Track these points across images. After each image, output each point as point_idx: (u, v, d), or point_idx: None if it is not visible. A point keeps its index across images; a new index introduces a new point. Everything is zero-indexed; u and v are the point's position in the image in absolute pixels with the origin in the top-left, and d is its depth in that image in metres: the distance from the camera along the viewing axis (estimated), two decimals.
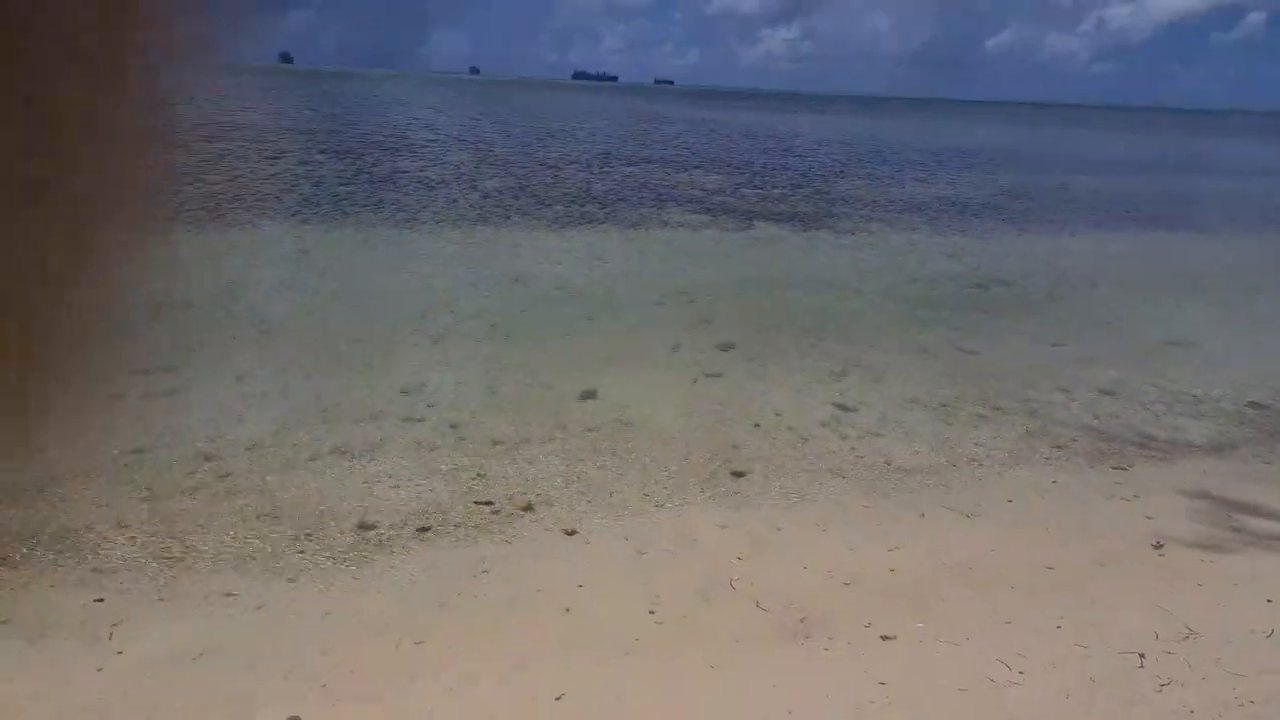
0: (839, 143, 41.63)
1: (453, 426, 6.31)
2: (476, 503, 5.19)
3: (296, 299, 9.30)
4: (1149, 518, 5.07)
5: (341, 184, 17.56)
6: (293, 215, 13.84)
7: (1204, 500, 5.21)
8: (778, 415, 6.72)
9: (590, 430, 6.32)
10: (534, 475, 5.55)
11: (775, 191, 20.92)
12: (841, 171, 26.85)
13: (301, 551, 4.52)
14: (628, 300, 10.11)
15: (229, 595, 4.13)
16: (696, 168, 25.78)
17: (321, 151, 23.58)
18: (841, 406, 6.93)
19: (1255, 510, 5.07)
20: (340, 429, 6.13)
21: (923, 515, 5.07)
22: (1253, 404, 7.20)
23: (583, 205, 17.16)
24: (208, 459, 5.53)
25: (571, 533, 4.84)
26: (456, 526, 4.88)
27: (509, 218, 15.21)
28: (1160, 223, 18.86)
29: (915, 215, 18.00)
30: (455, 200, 16.69)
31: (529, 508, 5.10)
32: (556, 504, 5.18)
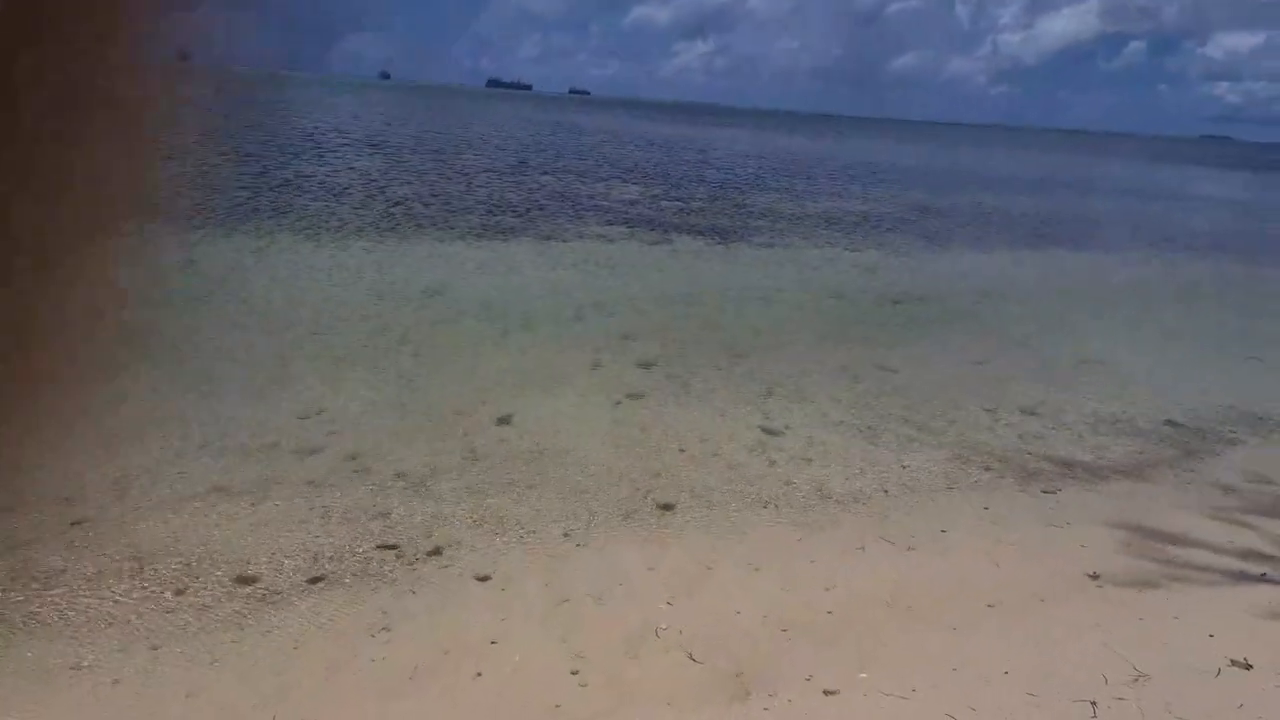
0: (754, 156, 42.12)
1: (352, 458, 5.76)
2: (377, 547, 4.68)
3: (179, 314, 8.52)
4: (1083, 546, 4.95)
5: (240, 189, 16.53)
6: (182, 223, 12.86)
7: (1134, 530, 5.14)
8: (703, 441, 6.42)
9: (506, 460, 5.87)
10: (443, 513, 5.07)
11: (693, 204, 20.81)
12: (758, 184, 27.03)
13: (169, 612, 3.94)
14: (544, 315, 9.68)
15: (76, 668, 3.52)
16: (614, 178, 25.51)
17: (220, 155, 22.29)
18: (768, 430, 6.67)
19: (1182, 540, 5.01)
20: (224, 463, 5.51)
21: (863, 548, 4.82)
22: (1170, 422, 7.29)
23: (497, 215, 16.63)
24: (66, 501, 4.84)
25: (484, 579, 4.39)
26: (354, 576, 4.36)
27: (420, 227, 14.57)
28: (1064, 240, 19.54)
29: (831, 230, 18.14)
30: (362, 208, 15.91)
31: (436, 551, 4.62)
32: (467, 546, 4.72)
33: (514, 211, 17.31)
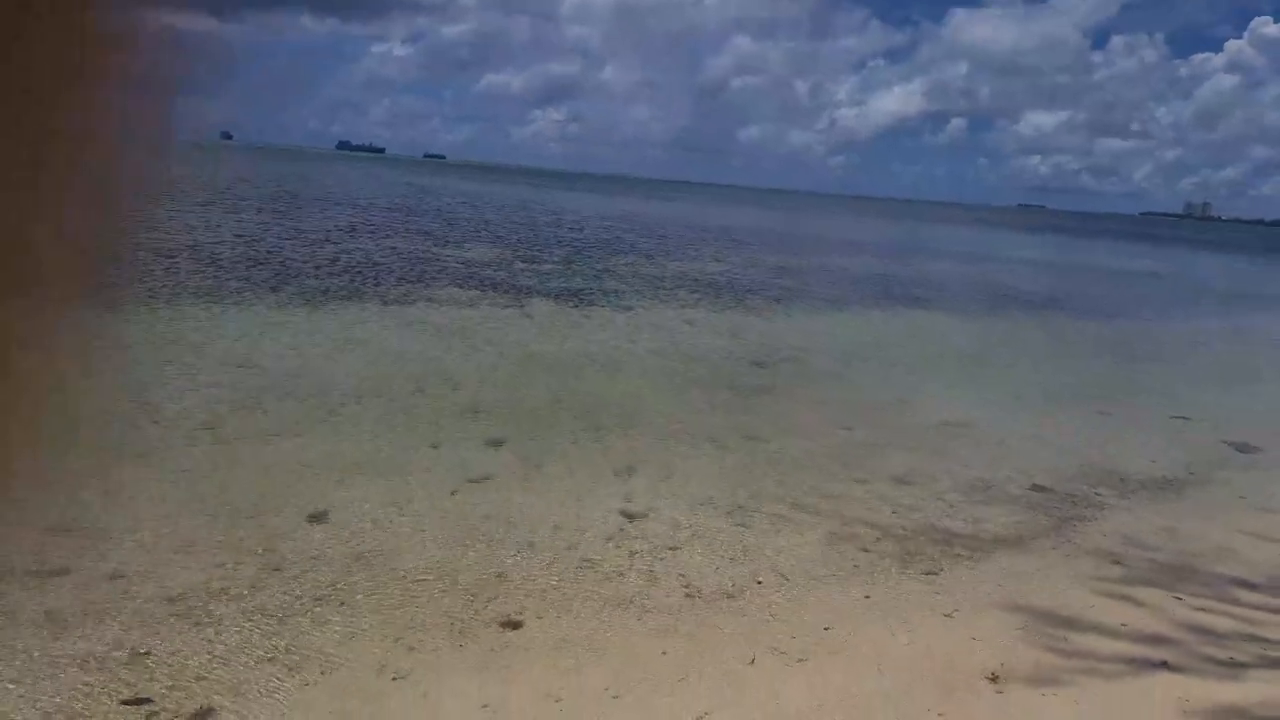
0: (609, 219, 42.33)
1: (114, 578, 4.57)
2: (124, 703, 3.57)
3: None
4: (974, 639, 4.47)
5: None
6: None
7: (1024, 614, 4.72)
8: (556, 530, 5.61)
9: (313, 569, 4.84)
10: (221, 650, 3.99)
11: (548, 266, 20.24)
12: (613, 247, 26.86)
13: None
14: (378, 388, 8.64)
15: None
16: (465, 241, 24.65)
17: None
18: (629, 514, 5.95)
19: (1077, 624, 4.63)
20: None
21: (751, 661, 4.12)
22: (1037, 487, 7.11)
23: (335, 278, 15.39)
24: None
25: None
26: None
27: (244, 293, 13.15)
28: (912, 300, 20.21)
29: (689, 292, 17.96)
30: (176, 271, 14.28)
31: (205, 713, 3.55)
32: (249, 694, 3.68)
33: (355, 274, 16.11)
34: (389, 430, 7.45)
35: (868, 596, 4.96)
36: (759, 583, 5.04)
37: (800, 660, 4.14)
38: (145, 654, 3.91)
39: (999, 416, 9.48)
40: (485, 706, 3.67)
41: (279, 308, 12.26)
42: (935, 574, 5.35)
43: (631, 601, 4.74)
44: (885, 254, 36.73)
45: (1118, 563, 5.59)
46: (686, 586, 4.94)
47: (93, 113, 0.71)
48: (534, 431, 7.68)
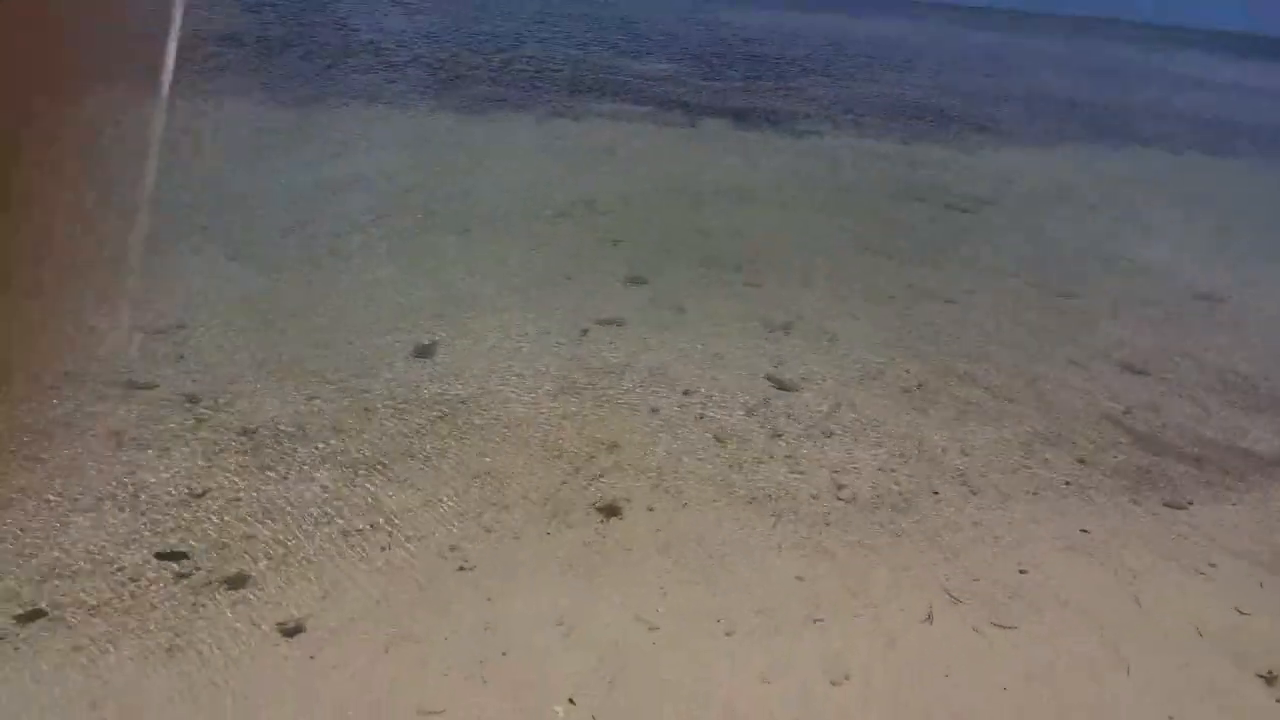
0: (802, 35, 38.48)
1: (191, 400, 4.13)
2: (159, 555, 3.09)
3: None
4: (1239, 612, 3.22)
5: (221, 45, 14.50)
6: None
7: None
8: (687, 392, 4.69)
9: (405, 414, 4.20)
10: (282, 501, 3.44)
11: (724, 84, 18.33)
12: (804, 65, 24.17)
13: None
14: (520, 211, 7.77)
15: None
16: (647, 54, 22.88)
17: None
18: (779, 383, 4.90)
19: None
20: None
21: (928, 618, 3.12)
22: None
23: (502, 86, 14.46)
24: None
25: (294, 630, 2.79)
26: (86, 611, 2.77)
27: (405, 94, 12.51)
28: (1144, 138, 16.84)
29: (878, 118, 15.67)
30: (332, 68, 13.84)
31: (239, 580, 3.00)
32: (290, 564, 3.10)
33: (523, 84, 15.11)
34: (522, 255, 6.66)
35: (1085, 530, 3.74)
36: (935, 494, 3.93)
37: (979, 625, 3.06)
38: (197, 497, 3.42)
39: (1262, 289, 7.45)
40: (560, 624, 2.90)
41: (433, 114, 11.55)
42: (1181, 508, 4.01)
43: (770, 498, 3.79)
44: (1100, 79, 31.29)
45: None
46: (840, 488, 3.91)
47: None
48: (680, 270, 6.64)
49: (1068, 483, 4.15)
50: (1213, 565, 3.54)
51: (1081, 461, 4.35)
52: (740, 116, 14.12)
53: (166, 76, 8.81)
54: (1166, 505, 4.00)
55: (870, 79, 21.65)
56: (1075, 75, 29.40)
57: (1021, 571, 3.39)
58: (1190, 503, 4.04)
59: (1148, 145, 15.77)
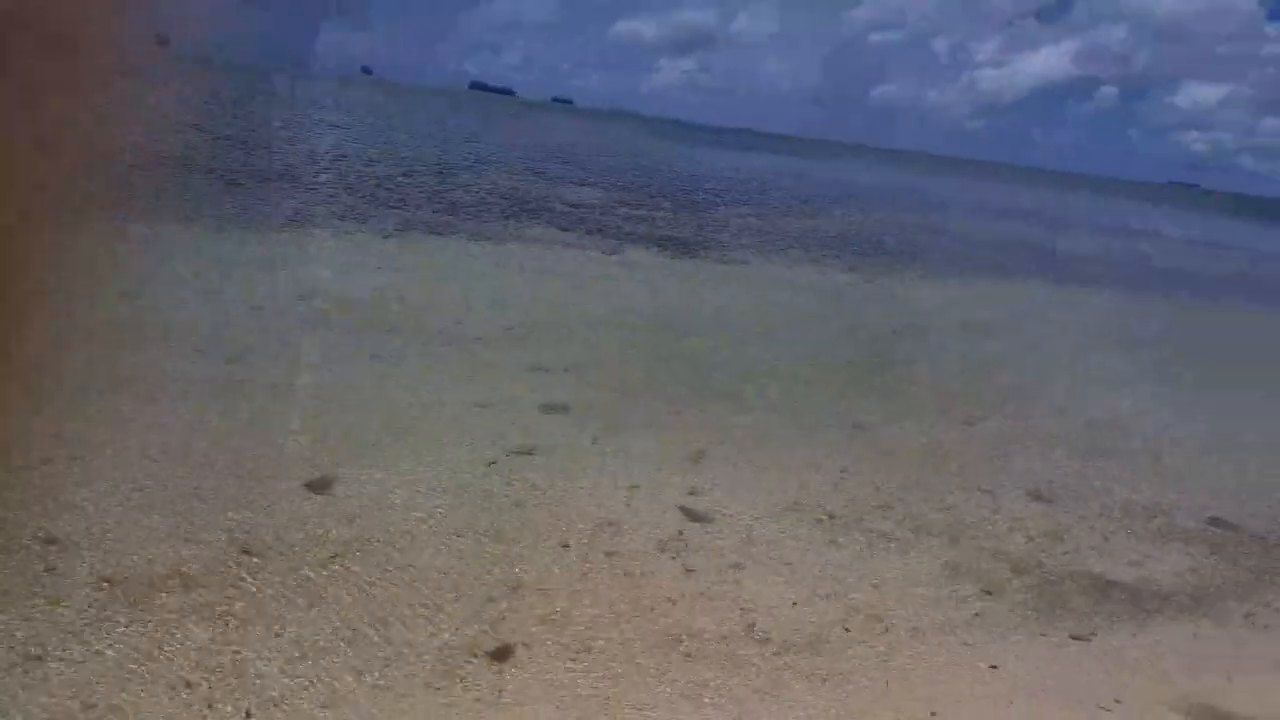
0: (730, 172, 40.55)
1: (50, 543, 3.83)
2: None
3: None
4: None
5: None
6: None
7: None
8: (598, 525, 4.57)
9: (293, 553, 3.96)
10: (133, 659, 3.15)
11: (655, 214, 19.02)
12: (729, 199, 25.36)
13: None
14: (437, 332, 7.76)
15: None
16: (577, 183, 23.70)
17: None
18: (691, 514, 4.83)
19: None
20: None
21: None
22: (1217, 521, 5.52)
23: (424, 211, 14.70)
24: None
25: None
26: None
27: (327, 219, 12.59)
28: (1057, 275, 17.95)
29: (805, 251, 16.41)
30: (258, 200, 13.91)
31: None
32: None
33: (449, 209, 15.39)
34: (435, 380, 6.58)
35: (994, 667, 3.69)
36: (847, 630, 3.85)
37: None
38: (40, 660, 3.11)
39: (1164, 419, 7.80)
40: None
41: (352, 235, 11.60)
42: (1086, 639, 4.01)
43: (677, 640, 3.65)
44: (1030, 221, 33.60)
45: None
46: (751, 626, 3.80)
47: None
48: (601, 396, 6.64)
49: (977, 614, 4.12)
50: (1118, 702, 3.50)
51: (989, 592, 4.35)
52: (665, 244, 14.59)
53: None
54: (1073, 637, 4.00)
55: (805, 214, 22.77)
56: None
57: (933, 714, 3.30)
58: (1093, 634, 4.04)
59: (1060, 282, 16.80)
